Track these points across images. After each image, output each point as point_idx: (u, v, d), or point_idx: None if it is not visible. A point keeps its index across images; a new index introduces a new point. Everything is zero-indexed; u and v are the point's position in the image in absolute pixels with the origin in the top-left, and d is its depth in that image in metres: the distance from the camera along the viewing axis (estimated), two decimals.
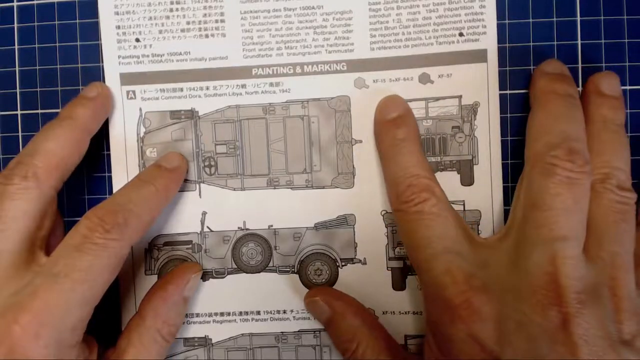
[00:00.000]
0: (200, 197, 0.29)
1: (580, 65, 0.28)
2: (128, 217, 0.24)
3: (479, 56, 0.27)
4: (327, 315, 0.27)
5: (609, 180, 0.24)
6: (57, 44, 0.29)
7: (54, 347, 0.22)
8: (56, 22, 0.29)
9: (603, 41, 0.28)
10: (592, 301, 0.21)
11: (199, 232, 0.29)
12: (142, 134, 0.29)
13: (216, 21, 0.28)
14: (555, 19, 0.28)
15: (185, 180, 0.29)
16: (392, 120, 0.27)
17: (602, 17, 0.28)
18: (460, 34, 0.27)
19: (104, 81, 0.29)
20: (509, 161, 0.28)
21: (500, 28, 0.28)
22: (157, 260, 0.29)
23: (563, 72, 0.26)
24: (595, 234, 0.23)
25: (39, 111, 0.29)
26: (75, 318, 0.22)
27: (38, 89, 0.29)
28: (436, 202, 0.25)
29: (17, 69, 0.29)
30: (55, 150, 0.25)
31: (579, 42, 0.28)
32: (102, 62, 0.29)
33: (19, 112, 0.30)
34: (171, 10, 0.28)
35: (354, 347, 0.26)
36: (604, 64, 0.28)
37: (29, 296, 0.22)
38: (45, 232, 0.25)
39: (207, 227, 0.29)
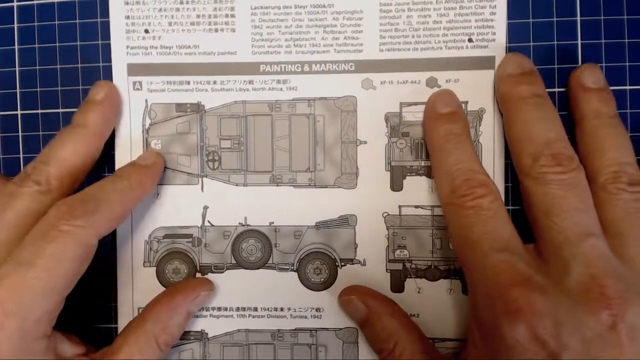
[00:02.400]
0: (203, 191, 0.29)
1: (580, 65, 0.28)
2: (98, 205, 0.24)
3: (487, 63, 0.27)
4: (363, 314, 0.27)
5: (619, 179, 0.24)
6: (57, 44, 0.29)
7: (18, 338, 0.22)
8: (56, 22, 0.29)
9: (603, 41, 0.28)
10: (634, 299, 0.22)
11: (199, 226, 0.29)
12: (147, 126, 0.29)
13: (226, 16, 0.28)
14: (555, 19, 0.28)
15: (188, 174, 0.29)
16: (446, 115, 0.27)
17: (602, 17, 0.28)
18: (470, 40, 0.27)
19: (111, 73, 0.28)
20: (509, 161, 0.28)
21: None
22: (157, 252, 0.29)
23: (525, 69, 0.26)
24: (618, 236, 0.23)
25: (39, 111, 0.29)
26: (40, 308, 0.22)
27: (38, 89, 0.29)
28: (494, 199, 0.24)
29: (17, 69, 0.29)
30: (68, 158, 0.26)
31: (579, 42, 0.28)
32: (101, 61, 0.29)
33: (19, 112, 0.30)
34: (181, 2, 0.28)
35: (391, 347, 0.26)
36: (604, 64, 0.28)
37: None
38: None
39: (208, 221, 0.29)
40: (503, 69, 0.26)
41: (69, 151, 0.26)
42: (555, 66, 0.28)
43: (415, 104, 0.28)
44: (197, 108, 0.29)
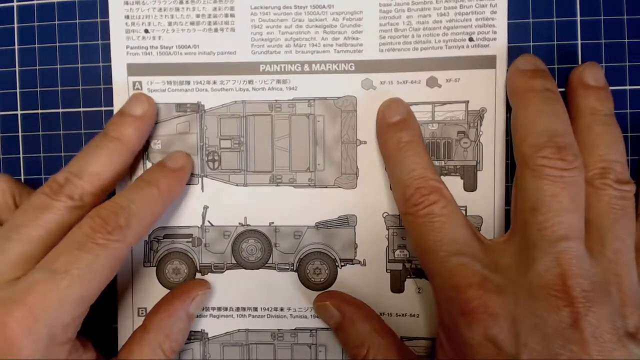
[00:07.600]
0: (203, 191, 0.29)
1: (580, 64, 0.28)
2: (129, 218, 0.24)
3: (488, 62, 0.27)
4: (336, 320, 0.27)
5: (607, 175, 0.24)
6: (57, 44, 0.29)
7: (45, 344, 0.22)
8: (56, 22, 0.29)
9: (603, 41, 0.28)
10: (600, 298, 0.22)
11: (199, 226, 0.29)
12: None
13: (226, 15, 0.28)
14: (555, 19, 0.28)
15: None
16: (396, 123, 0.27)
17: (602, 17, 0.28)
18: (470, 39, 0.27)
19: (110, 73, 0.29)
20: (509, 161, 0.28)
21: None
22: (157, 252, 0.29)
23: (538, 67, 0.26)
24: (597, 231, 0.23)
25: (39, 111, 0.29)
26: (68, 316, 0.22)
27: (38, 89, 0.29)
28: (445, 204, 0.25)
29: (17, 69, 0.29)
30: (103, 174, 0.25)
31: (579, 42, 0.28)
32: (101, 61, 0.29)
33: (19, 112, 0.30)
34: (181, 2, 0.28)
35: (364, 352, 0.26)
36: (604, 64, 0.28)
37: (26, 290, 0.22)
38: None
39: (208, 221, 0.29)
40: (516, 65, 0.26)
41: (103, 166, 0.25)
42: (555, 66, 0.28)
43: (416, 103, 0.28)
44: (197, 108, 0.29)
